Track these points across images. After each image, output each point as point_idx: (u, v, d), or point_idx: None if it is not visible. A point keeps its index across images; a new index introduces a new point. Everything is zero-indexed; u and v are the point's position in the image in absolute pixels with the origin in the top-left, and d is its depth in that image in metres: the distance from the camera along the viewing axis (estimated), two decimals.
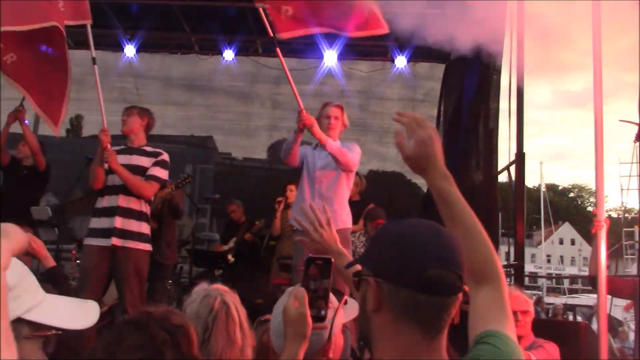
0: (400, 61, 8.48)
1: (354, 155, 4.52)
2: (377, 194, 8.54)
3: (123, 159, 4.49)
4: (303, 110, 4.40)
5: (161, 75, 9.75)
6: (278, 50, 4.60)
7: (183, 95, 10.06)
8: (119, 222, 4.37)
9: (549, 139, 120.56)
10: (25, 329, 0.89)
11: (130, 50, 8.71)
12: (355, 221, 5.27)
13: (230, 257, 7.06)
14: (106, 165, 4.43)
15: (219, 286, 2.14)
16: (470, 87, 7.57)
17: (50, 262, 3.30)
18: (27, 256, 3.52)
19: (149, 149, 4.66)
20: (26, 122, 5.88)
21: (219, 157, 12.58)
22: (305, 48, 8.27)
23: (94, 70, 4.75)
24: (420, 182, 9.78)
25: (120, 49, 8.90)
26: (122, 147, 4.67)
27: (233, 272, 7.04)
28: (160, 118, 9.95)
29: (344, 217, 4.54)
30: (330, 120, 4.61)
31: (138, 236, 4.46)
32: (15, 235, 0.84)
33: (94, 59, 4.76)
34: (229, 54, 8.68)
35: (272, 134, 10.31)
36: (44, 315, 0.92)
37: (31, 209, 5.60)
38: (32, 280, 0.96)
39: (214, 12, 8.12)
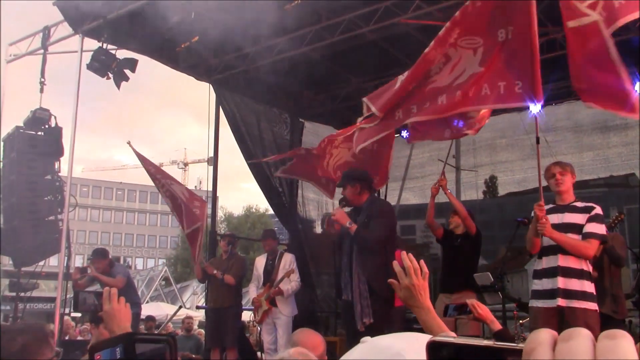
0: None
1: None
2: None
3: (555, 218, 4.46)
4: None
5: (570, 124, 9.55)
6: None
7: (597, 138, 9.63)
8: (561, 282, 4.35)
9: None
10: None
11: (535, 107, 8.81)
12: None
13: None
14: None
15: None
16: None
17: (497, 325, 3.53)
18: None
19: (579, 204, 4.55)
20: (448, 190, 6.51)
21: None
22: None
23: None
24: None
25: (525, 107, 9.08)
26: (553, 205, 4.65)
27: None
28: (576, 165, 9.73)
29: None
30: None
31: (582, 295, 4.35)
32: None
33: None
34: None
35: None
36: None
37: (474, 275, 6.00)
38: None
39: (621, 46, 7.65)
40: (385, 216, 5.31)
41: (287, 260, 7.61)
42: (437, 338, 0.62)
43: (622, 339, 0.51)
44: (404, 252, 2.13)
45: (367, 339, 0.95)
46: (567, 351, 0.51)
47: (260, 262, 7.83)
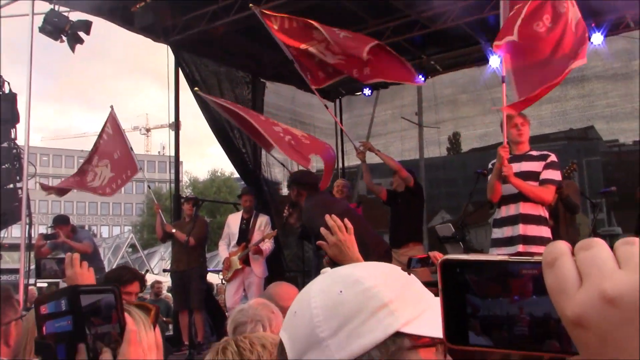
0: None
1: None
2: None
3: (513, 167, 4.57)
4: None
5: None
6: None
7: (555, 91, 9.74)
8: (522, 229, 4.49)
9: None
10: (407, 341, 0.86)
11: (495, 60, 8.88)
12: None
13: None
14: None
15: None
16: None
17: None
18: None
19: (535, 153, 4.70)
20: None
21: (605, 147, 11.79)
22: None
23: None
24: None
25: (485, 62, 9.16)
26: (510, 155, 4.76)
27: None
28: (535, 119, 9.88)
29: None
30: None
31: (540, 240, 4.50)
32: None
33: None
34: (597, 38, 8.13)
35: None
36: (424, 326, 0.86)
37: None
38: (413, 293, 0.91)
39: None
40: (310, 214, 4.96)
41: (263, 222, 7.59)
42: (450, 256, 0.61)
43: (598, 247, 0.52)
44: (327, 215, 2.28)
45: (326, 269, 0.97)
46: (591, 258, 0.51)
47: (234, 220, 7.77)
